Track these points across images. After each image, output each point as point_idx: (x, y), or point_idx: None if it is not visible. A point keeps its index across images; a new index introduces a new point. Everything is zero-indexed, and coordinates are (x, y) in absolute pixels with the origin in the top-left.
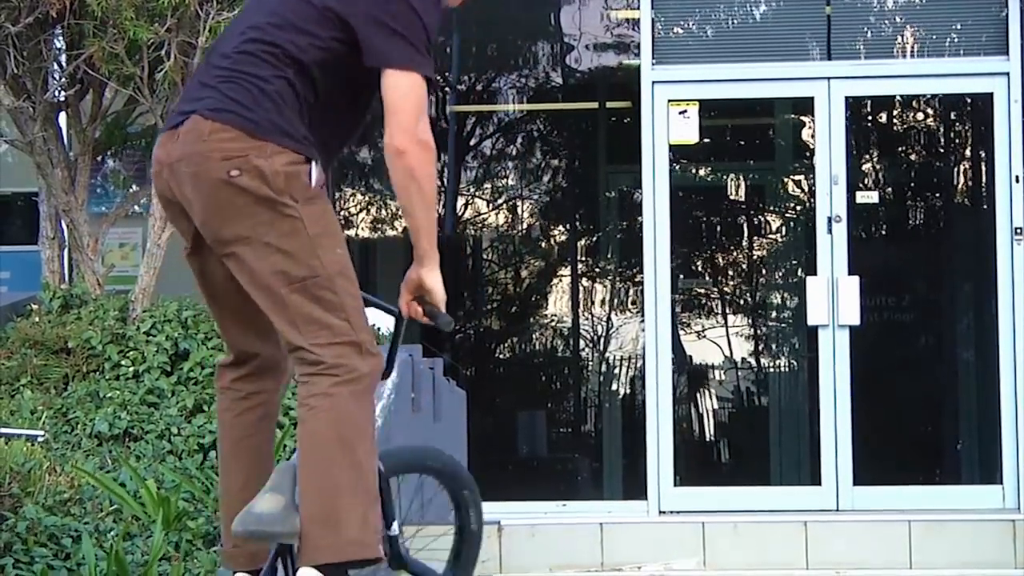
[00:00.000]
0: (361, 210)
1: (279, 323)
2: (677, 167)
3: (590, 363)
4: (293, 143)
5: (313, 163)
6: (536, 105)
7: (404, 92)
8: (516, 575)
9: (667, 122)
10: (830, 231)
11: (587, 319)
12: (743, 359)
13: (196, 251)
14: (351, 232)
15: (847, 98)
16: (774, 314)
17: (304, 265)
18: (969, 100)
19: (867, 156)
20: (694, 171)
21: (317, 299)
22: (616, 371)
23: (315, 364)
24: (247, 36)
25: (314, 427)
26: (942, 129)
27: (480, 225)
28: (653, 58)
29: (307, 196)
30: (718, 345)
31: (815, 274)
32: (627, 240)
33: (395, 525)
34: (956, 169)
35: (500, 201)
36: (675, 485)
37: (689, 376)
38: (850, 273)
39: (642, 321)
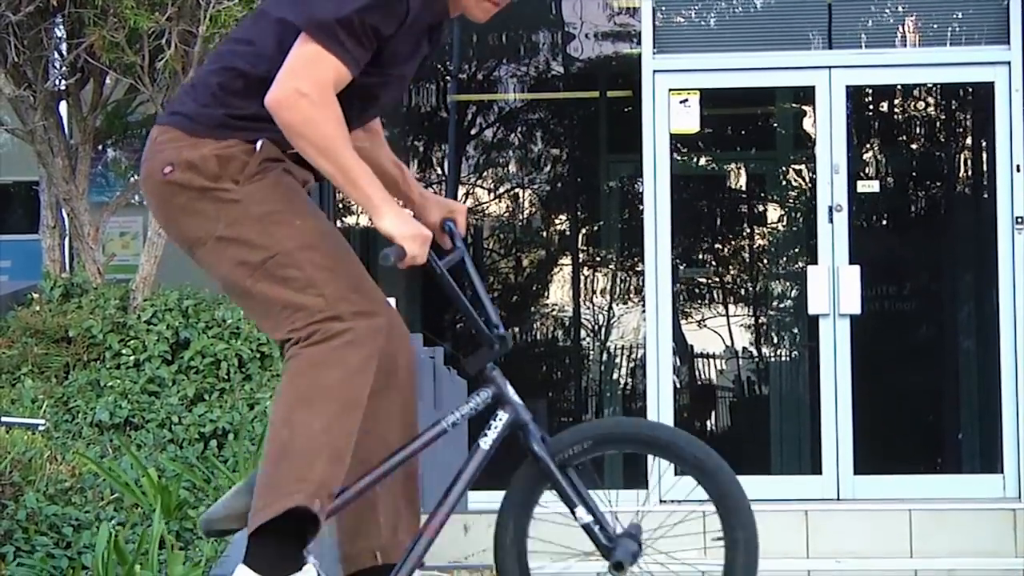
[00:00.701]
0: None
1: (257, 320)
2: (678, 156)
3: (591, 352)
4: (231, 131)
5: (258, 143)
6: (537, 94)
7: (293, 53)
8: None
9: (668, 111)
10: (831, 220)
11: (588, 308)
12: (744, 348)
13: None
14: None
15: (848, 87)
16: (775, 303)
17: (259, 248)
18: (970, 89)
19: (868, 145)
20: (695, 160)
21: (283, 280)
22: (617, 360)
23: (297, 344)
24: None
25: (274, 398)
26: (943, 118)
27: (481, 214)
28: (654, 47)
29: (248, 174)
30: (719, 334)
31: (816, 263)
32: (628, 229)
33: (582, 511)
34: (957, 158)
35: (501, 190)
36: (676, 474)
37: (689, 365)
38: (851, 262)
39: (643, 310)
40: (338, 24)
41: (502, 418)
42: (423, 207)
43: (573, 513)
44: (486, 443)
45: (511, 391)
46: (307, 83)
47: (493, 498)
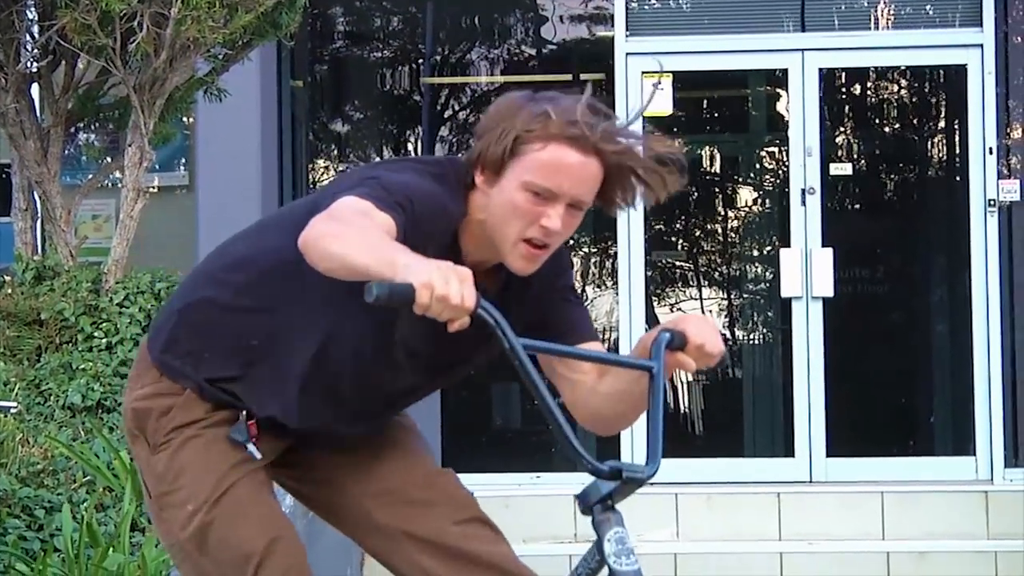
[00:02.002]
0: None
1: None
2: None
3: None
4: (166, 368)
5: (188, 391)
6: (510, 77)
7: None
8: None
9: (641, 94)
10: (804, 203)
11: None
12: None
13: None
14: None
15: (821, 70)
16: (748, 286)
17: (162, 535)
18: (943, 72)
19: (841, 128)
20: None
21: (186, 564)
22: None
23: None
24: None
25: None
26: (916, 101)
27: None
28: (627, 30)
29: (156, 441)
30: None
31: (788, 246)
32: (600, 211)
33: None
34: (930, 141)
35: None
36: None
37: None
38: (823, 245)
39: (616, 294)
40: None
41: None
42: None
43: None
44: None
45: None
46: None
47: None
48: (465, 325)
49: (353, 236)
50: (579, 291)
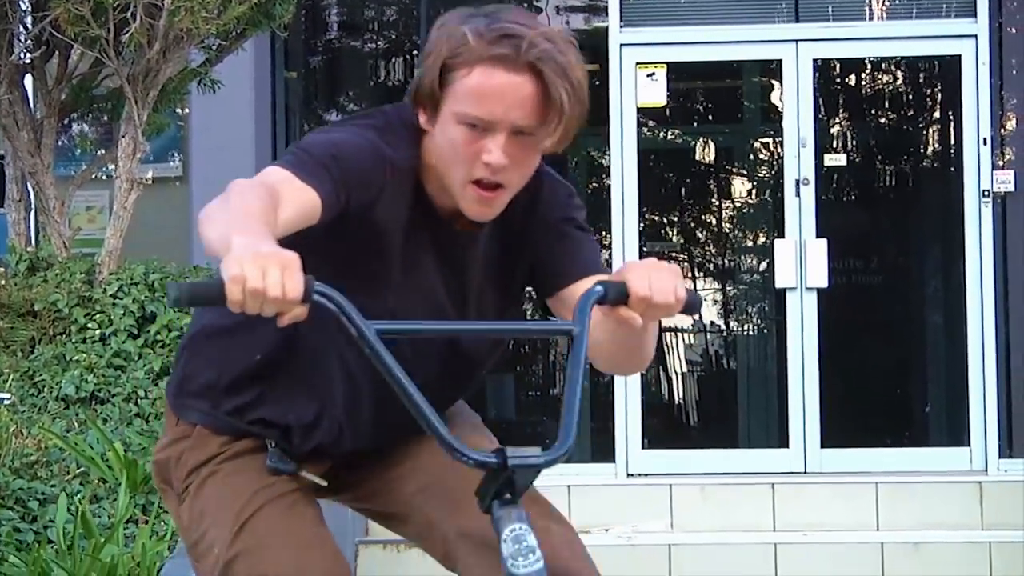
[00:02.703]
0: None
1: None
2: (645, 130)
3: None
4: (180, 410)
5: (199, 428)
6: None
7: None
8: None
9: (635, 84)
10: (798, 194)
11: None
12: (711, 322)
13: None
14: None
15: (815, 60)
16: (742, 277)
17: None
18: (937, 63)
19: (835, 119)
20: (662, 134)
21: None
22: None
23: None
24: None
25: None
26: (911, 92)
27: None
28: (621, 20)
29: (179, 490)
30: None
31: (783, 237)
32: (595, 203)
33: None
34: (924, 132)
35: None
36: (643, 448)
37: (657, 339)
38: (818, 236)
39: None
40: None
41: None
42: None
43: None
44: None
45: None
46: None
47: None
48: (300, 317)
49: (220, 219)
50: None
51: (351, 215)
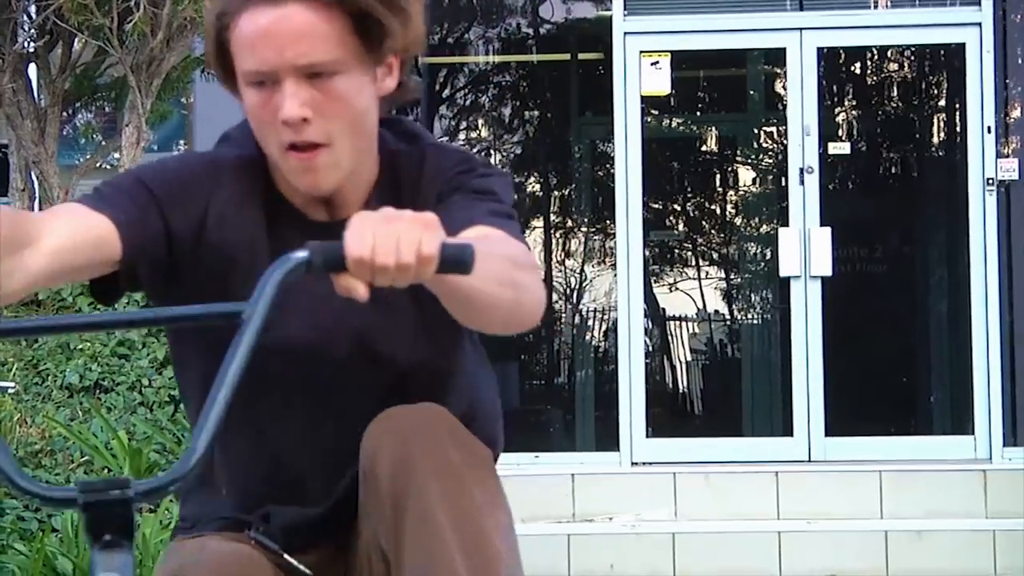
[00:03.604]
0: None
1: None
2: (649, 118)
3: (563, 315)
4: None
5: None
6: (508, 57)
7: None
8: None
9: (639, 73)
10: (802, 182)
11: (559, 271)
12: (715, 311)
13: None
14: None
15: (819, 49)
16: (746, 265)
17: None
18: (942, 51)
19: (839, 107)
20: (666, 122)
21: None
22: (589, 323)
23: None
24: None
25: None
26: (914, 80)
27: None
28: (625, 9)
29: None
30: (690, 297)
31: (787, 225)
32: (599, 192)
33: None
34: (928, 120)
35: (473, 153)
36: (647, 436)
37: (661, 328)
38: (822, 224)
39: (614, 273)
40: None
41: None
42: None
43: None
44: None
45: None
46: None
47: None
48: None
49: None
50: (484, 187)
51: (191, 237)
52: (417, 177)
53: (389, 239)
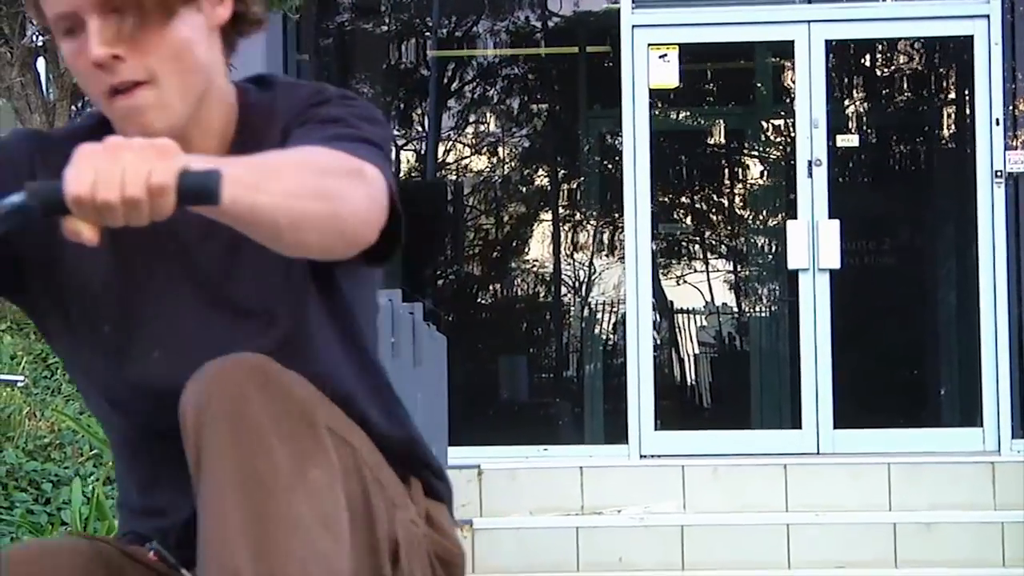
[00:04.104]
0: None
1: None
2: (657, 111)
3: (571, 308)
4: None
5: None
6: (516, 50)
7: None
8: (496, 519)
9: (647, 66)
10: (810, 175)
11: (568, 264)
12: (724, 303)
13: None
14: None
15: (827, 41)
16: (754, 258)
17: None
18: (950, 43)
19: (847, 100)
20: (674, 115)
21: None
22: (597, 316)
23: None
24: None
25: None
26: (923, 72)
27: (461, 170)
28: (633, 1)
29: None
30: (698, 289)
31: (795, 218)
32: (607, 185)
33: None
34: (937, 112)
35: (482, 146)
36: (656, 429)
37: (670, 321)
38: (830, 217)
39: (623, 266)
40: None
41: None
42: None
43: None
44: None
45: None
46: None
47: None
48: None
49: None
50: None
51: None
52: (270, 121)
53: (112, 172)
